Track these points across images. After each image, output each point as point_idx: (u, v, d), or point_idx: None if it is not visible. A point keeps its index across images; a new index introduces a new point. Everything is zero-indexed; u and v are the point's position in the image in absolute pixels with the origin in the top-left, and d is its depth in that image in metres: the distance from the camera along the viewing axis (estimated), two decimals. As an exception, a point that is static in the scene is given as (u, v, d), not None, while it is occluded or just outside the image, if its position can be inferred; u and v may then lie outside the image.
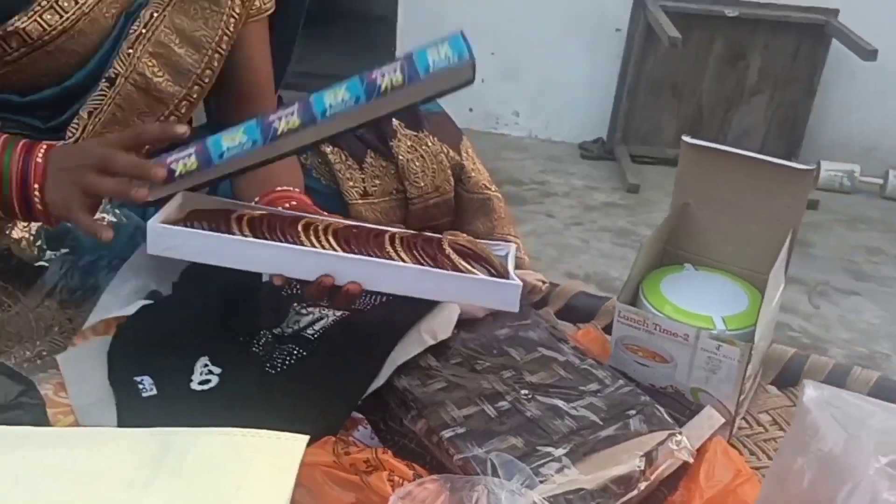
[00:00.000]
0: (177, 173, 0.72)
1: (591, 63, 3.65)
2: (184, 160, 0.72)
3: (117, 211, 0.95)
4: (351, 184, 1.08)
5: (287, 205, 0.88)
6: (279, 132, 0.69)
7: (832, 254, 2.65)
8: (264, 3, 1.01)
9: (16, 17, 0.83)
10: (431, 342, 0.75)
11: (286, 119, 0.70)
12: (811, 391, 0.53)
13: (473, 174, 1.14)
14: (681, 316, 0.76)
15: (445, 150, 1.11)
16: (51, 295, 0.84)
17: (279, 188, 0.92)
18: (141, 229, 0.91)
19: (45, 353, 0.77)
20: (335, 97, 0.69)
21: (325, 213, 0.90)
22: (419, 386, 0.73)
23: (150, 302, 0.85)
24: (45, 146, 0.80)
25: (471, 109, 3.89)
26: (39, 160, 0.78)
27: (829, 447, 0.50)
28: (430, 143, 1.09)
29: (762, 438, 0.79)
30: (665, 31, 2.94)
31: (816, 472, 0.50)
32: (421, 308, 0.78)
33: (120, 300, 0.85)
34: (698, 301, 0.78)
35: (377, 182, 1.09)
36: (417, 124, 1.10)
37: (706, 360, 0.74)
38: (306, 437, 0.55)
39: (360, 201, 1.08)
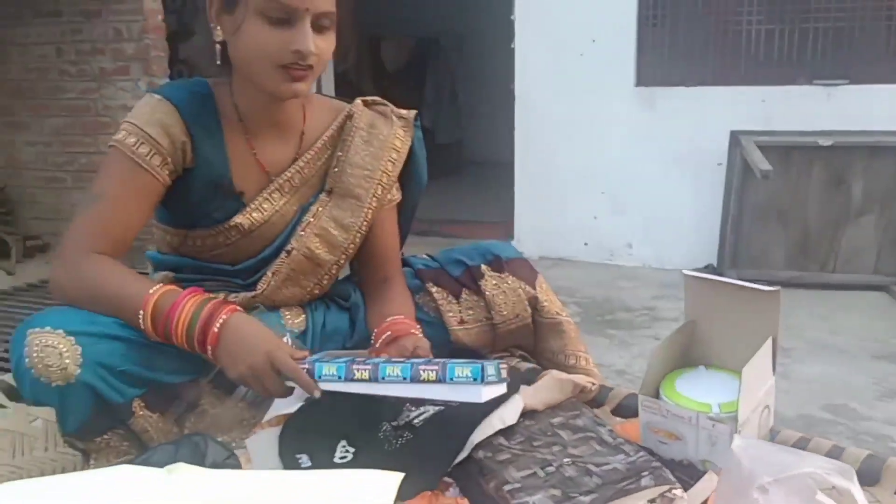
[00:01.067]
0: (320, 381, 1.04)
1: (696, 195, 3.90)
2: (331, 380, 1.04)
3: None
4: (451, 314, 1.38)
5: (400, 329, 1.22)
6: (354, 376, 1.00)
7: (947, 368, 2.67)
8: (393, 197, 1.36)
9: (235, 216, 1.23)
10: (501, 426, 1.04)
11: (361, 370, 1.00)
12: (738, 442, 0.78)
13: (546, 304, 1.42)
14: (687, 403, 1.01)
15: (522, 286, 1.40)
16: (243, 398, 1.20)
17: (396, 316, 1.26)
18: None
19: (238, 437, 1.13)
20: (394, 370, 0.99)
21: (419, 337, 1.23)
22: (491, 457, 1.02)
23: (306, 404, 1.19)
24: (224, 317, 1.06)
25: (586, 244, 4.21)
26: (216, 330, 1.05)
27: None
28: (510, 282, 1.39)
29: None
30: (757, 164, 3.18)
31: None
32: (493, 403, 1.07)
33: (287, 403, 1.20)
34: (702, 392, 1.02)
35: (471, 312, 1.39)
36: (500, 268, 1.40)
37: (707, 436, 0.98)
38: (401, 474, 0.84)
39: (457, 328, 1.38)
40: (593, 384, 1.20)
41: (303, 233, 1.27)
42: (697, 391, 1.03)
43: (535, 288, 1.42)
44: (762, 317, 1.04)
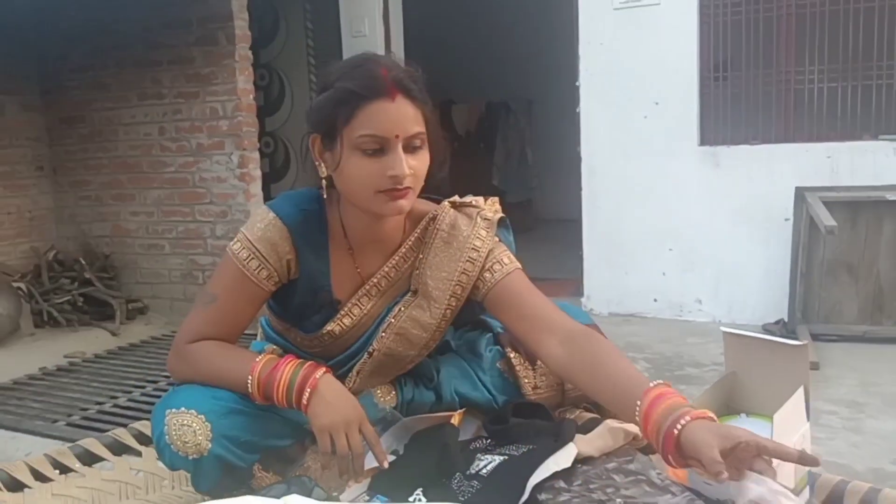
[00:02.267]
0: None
1: (764, 251, 3.95)
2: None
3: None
4: (526, 380, 1.47)
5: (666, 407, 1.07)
6: None
7: None
8: (505, 267, 1.34)
9: (328, 324, 1.35)
10: (556, 468, 1.17)
11: None
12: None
13: None
14: (729, 448, 1.12)
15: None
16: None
17: (648, 388, 1.10)
18: (383, 420, 1.40)
19: (338, 488, 1.28)
20: None
21: None
22: (552, 499, 1.15)
23: (394, 458, 1.35)
24: (322, 370, 1.22)
25: (655, 300, 4.28)
26: (317, 377, 1.21)
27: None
28: None
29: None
30: (822, 220, 3.23)
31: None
32: (549, 451, 1.20)
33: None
34: (742, 438, 1.14)
35: (544, 378, 1.48)
36: None
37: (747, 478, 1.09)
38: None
39: (531, 393, 1.46)
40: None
41: (384, 334, 1.36)
42: (738, 437, 1.15)
43: None
44: (793, 368, 1.15)
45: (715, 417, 1.04)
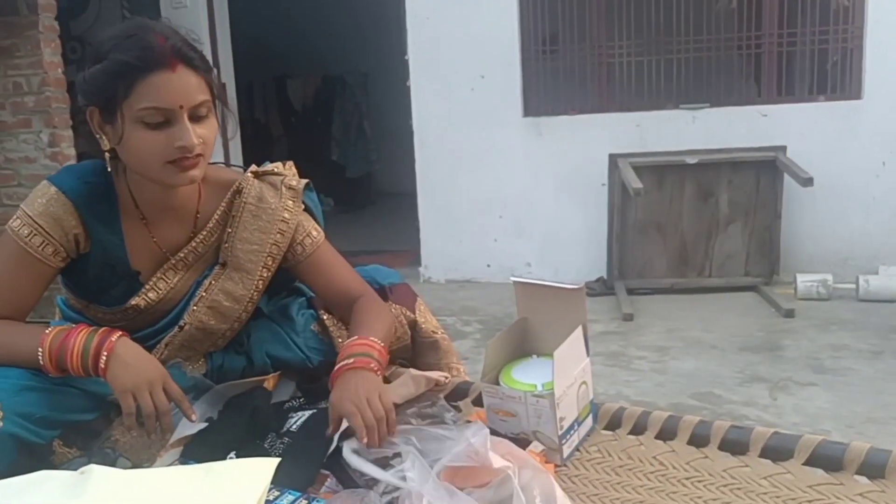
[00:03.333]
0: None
1: (585, 215, 4.22)
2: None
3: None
4: (340, 340, 1.48)
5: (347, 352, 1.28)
6: None
7: (799, 354, 3.01)
8: (315, 240, 1.40)
9: (132, 298, 1.31)
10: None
11: None
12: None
13: (424, 325, 1.59)
14: (519, 386, 1.22)
15: (404, 312, 1.54)
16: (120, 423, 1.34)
17: (352, 338, 1.31)
18: (194, 388, 1.39)
19: (147, 460, 1.26)
20: None
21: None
22: (349, 443, 1.21)
23: (206, 425, 1.35)
24: (118, 335, 1.18)
25: (489, 265, 4.46)
26: (113, 340, 1.18)
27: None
28: (392, 309, 1.51)
29: (585, 459, 1.22)
30: (630, 183, 3.50)
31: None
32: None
33: (188, 427, 1.35)
34: (530, 376, 1.24)
35: None
36: (384, 295, 1.53)
37: (534, 411, 1.19)
38: (277, 460, 1.03)
39: None
40: (446, 378, 1.40)
41: (195, 307, 1.33)
42: (527, 375, 1.25)
43: (414, 312, 1.57)
44: (573, 310, 1.27)
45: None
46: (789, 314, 3.42)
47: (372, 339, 1.30)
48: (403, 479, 1.04)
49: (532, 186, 4.32)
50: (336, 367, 1.26)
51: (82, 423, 1.24)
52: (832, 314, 3.46)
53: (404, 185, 5.27)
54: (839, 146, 3.85)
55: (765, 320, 3.46)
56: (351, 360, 1.25)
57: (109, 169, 1.24)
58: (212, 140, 1.22)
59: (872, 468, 1.11)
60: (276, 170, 1.42)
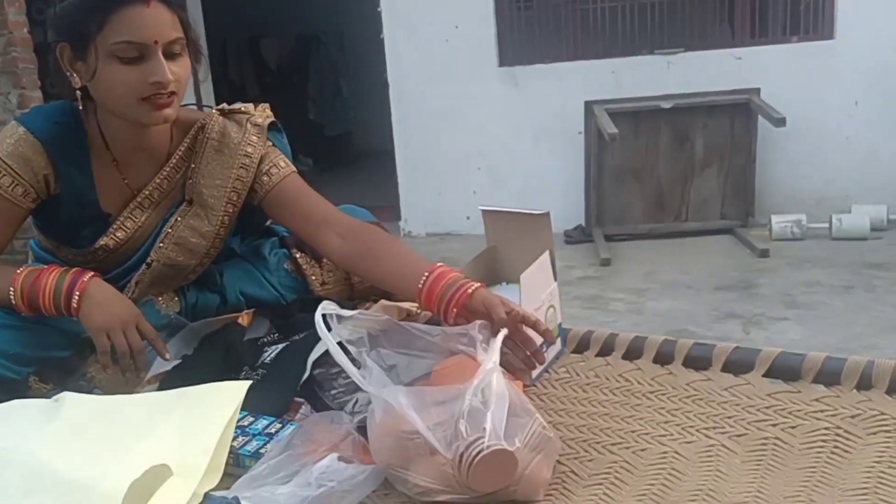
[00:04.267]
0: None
1: (562, 163, 4.24)
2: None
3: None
4: (314, 277, 1.51)
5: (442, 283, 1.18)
6: None
7: (773, 291, 3.07)
8: (282, 171, 1.35)
9: (100, 238, 1.31)
10: (324, 348, 1.25)
11: None
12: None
13: None
14: (488, 311, 1.26)
15: None
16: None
17: (427, 273, 1.19)
18: (168, 326, 1.41)
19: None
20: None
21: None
22: (325, 372, 1.22)
23: (180, 361, 1.37)
24: (90, 275, 1.18)
25: (468, 217, 4.48)
26: (85, 280, 1.19)
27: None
28: None
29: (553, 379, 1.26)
30: (605, 129, 3.51)
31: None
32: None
33: (165, 364, 1.37)
34: (499, 301, 1.28)
35: (331, 274, 1.52)
36: None
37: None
38: (249, 382, 1.05)
39: (320, 289, 1.51)
40: (418, 308, 1.43)
41: (161, 244, 1.34)
42: (496, 301, 1.29)
43: None
44: (541, 236, 1.30)
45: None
46: (764, 254, 3.48)
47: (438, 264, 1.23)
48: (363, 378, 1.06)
49: (510, 137, 4.33)
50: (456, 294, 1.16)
51: (57, 359, 1.26)
52: (806, 253, 3.51)
53: (383, 144, 5.25)
54: (813, 87, 3.87)
55: (740, 261, 3.51)
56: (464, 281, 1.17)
57: (81, 108, 1.24)
58: (185, 79, 1.22)
59: (829, 376, 1.15)
60: (243, 108, 1.41)
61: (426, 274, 1.19)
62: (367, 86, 6.95)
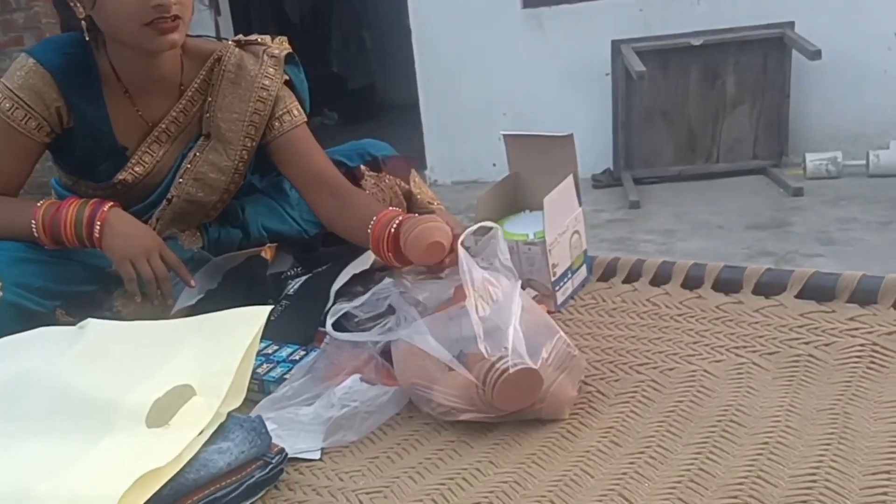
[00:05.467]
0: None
1: (590, 106, 4.14)
2: None
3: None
4: None
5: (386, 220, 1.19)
6: None
7: (807, 229, 3.00)
8: (294, 119, 1.35)
9: (119, 173, 1.31)
10: (355, 271, 1.24)
11: None
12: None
13: (419, 196, 1.59)
14: (510, 236, 1.22)
15: (398, 183, 1.54)
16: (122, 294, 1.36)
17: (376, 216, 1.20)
18: (194, 261, 1.41)
19: None
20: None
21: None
22: (347, 301, 1.22)
23: (204, 296, 1.37)
24: (109, 205, 1.19)
25: (494, 164, 4.42)
26: (105, 210, 1.20)
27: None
28: (387, 180, 1.53)
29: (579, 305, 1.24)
30: (633, 67, 3.42)
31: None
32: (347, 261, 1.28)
33: (189, 297, 1.38)
34: (523, 227, 1.23)
35: None
36: (377, 167, 1.55)
37: (527, 259, 1.20)
38: (270, 307, 1.04)
39: None
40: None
41: (181, 180, 1.33)
42: (519, 227, 1.25)
43: (409, 182, 1.58)
44: (564, 159, 1.26)
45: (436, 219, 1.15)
46: (798, 193, 3.39)
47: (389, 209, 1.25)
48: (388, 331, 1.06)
49: (535, 81, 4.24)
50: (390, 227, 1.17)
51: (83, 293, 1.27)
52: (842, 191, 3.42)
53: (408, 97, 5.18)
54: (849, 19, 3.72)
55: (773, 200, 3.43)
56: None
57: (87, 38, 1.22)
58: (189, 2, 1.19)
59: (865, 294, 1.11)
60: (260, 40, 1.39)
61: (371, 222, 1.20)
62: (391, 37, 6.84)
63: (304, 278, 1.33)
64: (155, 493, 0.75)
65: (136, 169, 1.32)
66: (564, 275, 1.24)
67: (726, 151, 3.86)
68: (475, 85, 4.34)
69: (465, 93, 4.37)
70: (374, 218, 1.20)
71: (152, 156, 1.33)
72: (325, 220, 1.37)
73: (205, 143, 1.35)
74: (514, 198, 1.35)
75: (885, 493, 0.73)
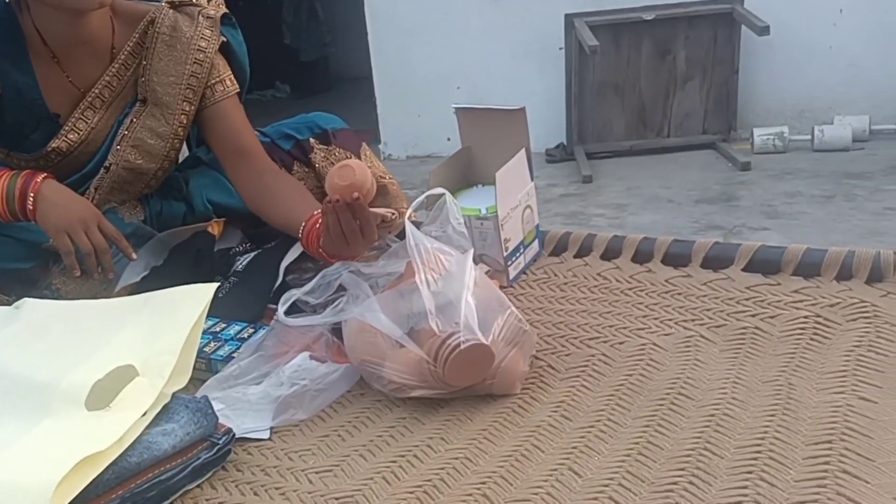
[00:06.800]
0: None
1: (543, 80, 4.14)
2: None
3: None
4: None
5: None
6: None
7: (754, 202, 3.06)
8: (227, 89, 1.32)
9: (51, 141, 1.26)
10: (296, 254, 1.23)
11: None
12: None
13: (371, 169, 1.58)
14: (464, 211, 1.21)
15: (348, 155, 1.51)
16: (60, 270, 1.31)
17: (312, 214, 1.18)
18: (136, 235, 1.37)
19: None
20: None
21: None
22: (297, 278, 1.20)
23: (148, 273, 1.33)
24: (42, 176, 1.15)
25: (448, 139, 4.40)
26: (38, 181, 1.15)
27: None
28: (337, 153, 1.48)
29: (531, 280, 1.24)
30: (586, 41, 3.42)
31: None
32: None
33: (132, 274, 1.34)
34: (475, 202, 1.23)
35: (303, 183, 1.46)
36: (327, 140, 1.50)
37: (478, 234, 1.19)
38: (216, 284, 1.02)
39: None
40: (394, 214, 1.39)
41: (118, 147, 1.30)
42: (471, 201, 1.24)
43: (360, 156, 1.55)
44: (516, 133, 1.25)
45: None
46: (745, 167, 3.45)
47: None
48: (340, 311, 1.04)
49: (489, 55, 4.21)
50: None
51: (19, 271, 1.22)
52: (788, 165, 3.49)
53: (362, 70, 5.11)
54: (797, -5, 3.78)
55: (721, 174, 3.48)
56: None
57: (9, 0, 1.17)
58: None
59: (809, 267, 1.14)
60: (195, 1, 1.34)
61: (304, 224, 1.17)
62: (344, 9, 6.73)
63: (252, 254, 1.31)
64: (97, 477, 0.73)
65: (70, 136, 1.27)
66: (517, 250, 1.24)
67: (677, 126, 3.91)
68: (429, 58, 4.29)
69: (419, 66, 4.32)
70: (304, 224, 1.17)
71: (86, 122, 1.28)
72: (246, 199, 1.34)
73: (141, 109, 1.30)
74: (467, 172, 1.34)
75: (826, 463, 0.75)
